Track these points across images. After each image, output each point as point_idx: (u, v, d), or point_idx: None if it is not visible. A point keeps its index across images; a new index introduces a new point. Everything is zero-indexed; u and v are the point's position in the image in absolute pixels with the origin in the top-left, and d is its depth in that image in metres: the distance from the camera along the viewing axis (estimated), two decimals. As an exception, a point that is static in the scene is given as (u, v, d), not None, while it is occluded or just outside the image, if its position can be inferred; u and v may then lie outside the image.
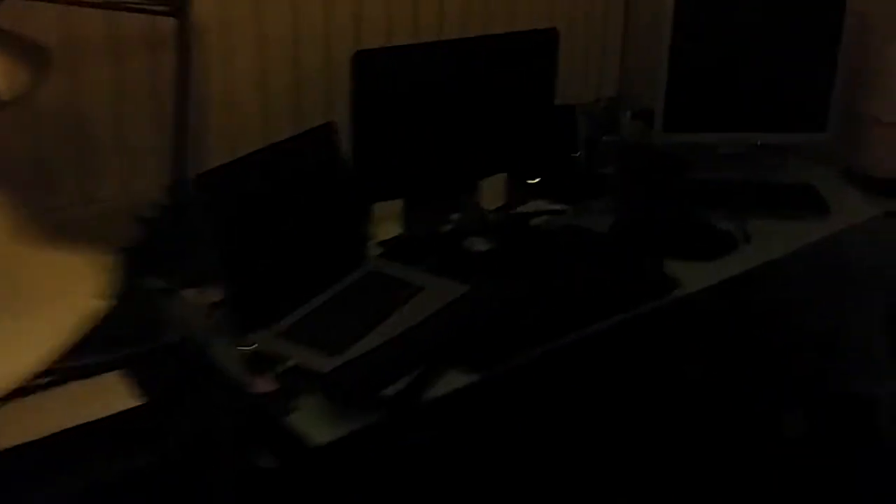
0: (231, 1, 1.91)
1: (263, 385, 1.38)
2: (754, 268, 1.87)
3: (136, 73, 1.83)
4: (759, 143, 2.33)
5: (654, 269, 1.80)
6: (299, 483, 1.50)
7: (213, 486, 1.40)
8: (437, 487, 1.91)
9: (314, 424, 1.33)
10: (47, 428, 1.25)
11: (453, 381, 1.46)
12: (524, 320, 1.58)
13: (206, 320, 1.55)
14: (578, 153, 2.27)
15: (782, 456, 2.24)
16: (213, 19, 1.89)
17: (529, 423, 2.10)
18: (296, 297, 1.60)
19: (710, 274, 1.82)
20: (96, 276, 0.70)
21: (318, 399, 1.37)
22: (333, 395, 1.35)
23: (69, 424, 1.26)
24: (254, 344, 1.45)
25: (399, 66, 1.84)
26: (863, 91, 2.29)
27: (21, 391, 0.83)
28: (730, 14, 2.21)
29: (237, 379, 1.41)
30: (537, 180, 2.17)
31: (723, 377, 2.40)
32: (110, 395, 1.33)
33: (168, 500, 1.34)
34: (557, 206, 2.09)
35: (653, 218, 2.04)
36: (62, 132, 1.78)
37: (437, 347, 1.47)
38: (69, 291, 0.68)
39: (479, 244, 1.91)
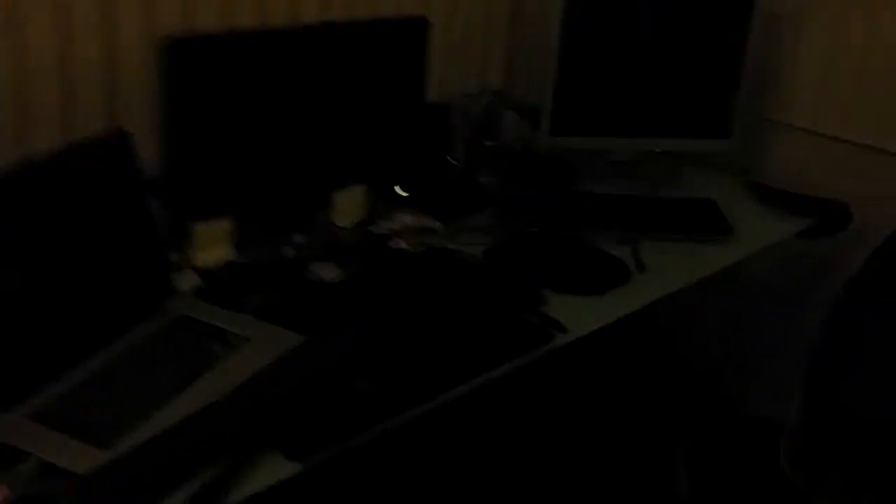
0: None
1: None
2: (650, 304, 1.60)
3: None
4: (656, 149, 2.07)
5: (534, 310, 1.50)
6: None
7: None
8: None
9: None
10: None
11: (274, 470, 1.13)
12: (364, 386, 1.26)
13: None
14: (454, 158, 1.96)
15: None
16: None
17: None
18: (58, 361, 1.20)
19: (598, 312, 1.54)
20: None
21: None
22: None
23: None
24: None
25: (227, 55, 1.47)
26: (771, 94, 2.06)
27: None
28: (628, 5, 1.93)
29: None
30: (404, 192, 1.85)
31: (610, 431, 2.14)
32: None
33: None
34: (427, 224, 1.77)
35: (535, 241, 1.74)
36: None
37: (248, 429, 1.14)
38: None
39: (328, 272, 1.57)
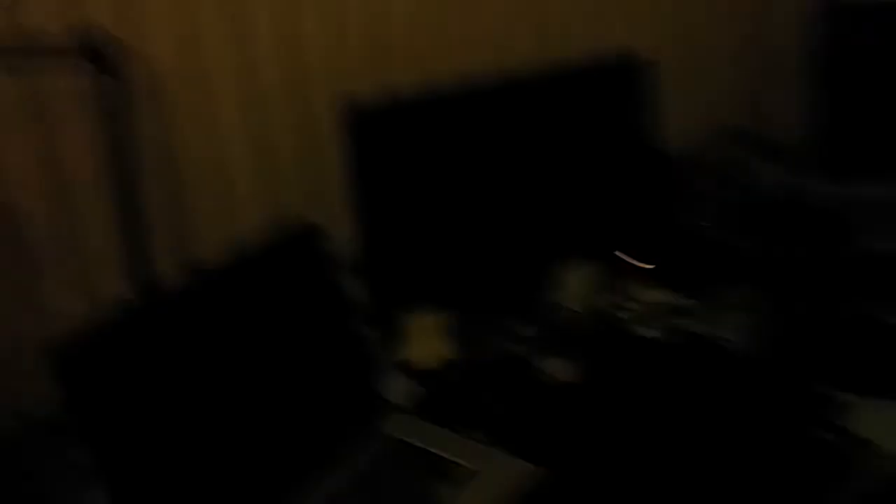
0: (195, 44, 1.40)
1: None
2: None
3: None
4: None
5: (829, 422, 1.17)
6: None
7: None
8: None
9: None
10: None
11: None
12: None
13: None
14: (699, 217, 1.65)
15: None
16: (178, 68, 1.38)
17: None
18: None
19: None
20: None
21: None
22: None
23: None
24: None
25: (421, 118, 1.28)
26: None
27: None
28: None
29: None
30: (643, 263, 1.56)
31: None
32: None
33: None
34: (676, 302, 1.48)
35: (817, 321, 1.40)
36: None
37: None
38: None
39: (561, 370, 1.32)
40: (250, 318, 1.04)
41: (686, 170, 1.68)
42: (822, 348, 1.33)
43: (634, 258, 1.55)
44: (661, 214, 1.60)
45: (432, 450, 1.12)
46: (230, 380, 1.00)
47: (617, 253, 1.53)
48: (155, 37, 1.38)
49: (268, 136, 1.54)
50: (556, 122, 1.40)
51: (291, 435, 1.06)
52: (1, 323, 1.34)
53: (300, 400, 1.08)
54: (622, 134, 1.49)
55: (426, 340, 1.35)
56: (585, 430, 1.20)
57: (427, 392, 1.28)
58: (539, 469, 1.08)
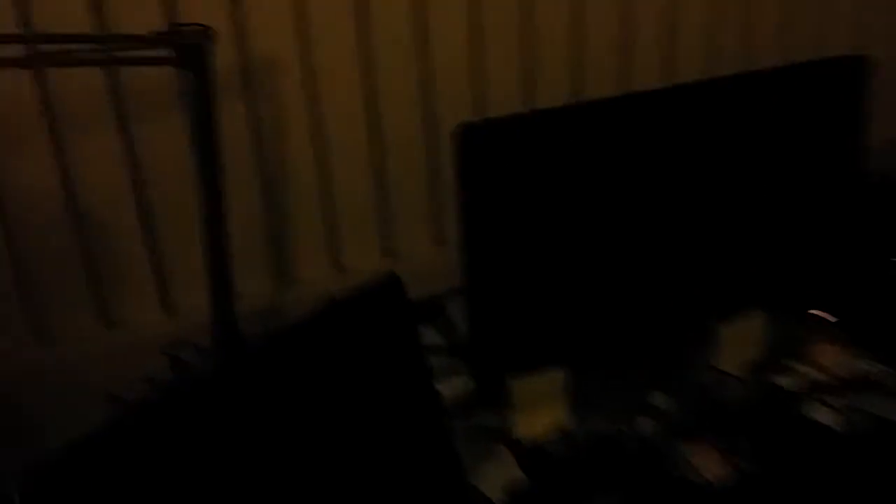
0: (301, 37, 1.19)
1: None
2: None
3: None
4: None
5: None
6: None
7: None
8: None
9: None
10: None
11: None
12: None
13: None
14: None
15: None
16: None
17: None
18: None
19: None
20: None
21: None
22: None
23: None
24: None
25: (546, 138, 0.99)
26: None
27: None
28: None
29: None
30: (830, 316, 1.22)
31: None
32: None
33: None
34: (869, 370, 1.14)
35: None
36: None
37: None
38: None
39: (710, 465, 1.02)
40: (316, 388, 0.81)
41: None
42: None
43: (820, 309, 1.21)
44: (860, 252, 1.24)
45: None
46: (293, 456, 0.77)
47: (793, 300, 1.19)
48: (266, 33, 1.18)
49: (385, 165, 1.32)
50: (736, 133, 1.08)
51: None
52: (71, 339, 1.19)
53: (363, 488, 0.85)
54: (814, 153, 1.15)
55: (536, 406, 1.08)
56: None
57: (530, 475, 1.02)
58: None
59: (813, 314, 1.21)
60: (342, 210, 1.33)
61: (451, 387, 1.11)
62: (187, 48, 1.00)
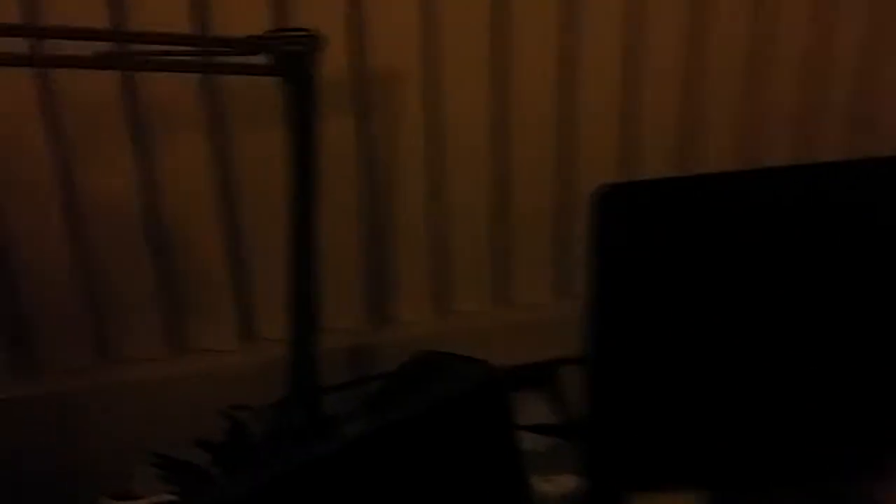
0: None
1: None
2: None
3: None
4: None
5: None
6: None
7: None
8: None
9: None
10: None
11: None
12: None
13: None
14: None
15: None
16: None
17: None
18: None
19: None
20: None
21: None
22: None
23: None
24: None
25: (694, 208, 0.79)
26: None
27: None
28: None
29: None
30: None
31: None
32: None
33: None
34: None
35: None
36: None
37: None
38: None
39: None
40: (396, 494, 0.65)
41: None
42: None
43: None
44: None
45: None
46: None
47: None
48: (387, 43, 1.03)
49: (510, 201, 1.15)
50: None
51: None
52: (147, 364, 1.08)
53: None
54: None
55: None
56: None
57: None
58: None
59: None
60: (455, 246, 1.16)
61: (557, 485, 0.92)
62: (287, 56, 0.86)
